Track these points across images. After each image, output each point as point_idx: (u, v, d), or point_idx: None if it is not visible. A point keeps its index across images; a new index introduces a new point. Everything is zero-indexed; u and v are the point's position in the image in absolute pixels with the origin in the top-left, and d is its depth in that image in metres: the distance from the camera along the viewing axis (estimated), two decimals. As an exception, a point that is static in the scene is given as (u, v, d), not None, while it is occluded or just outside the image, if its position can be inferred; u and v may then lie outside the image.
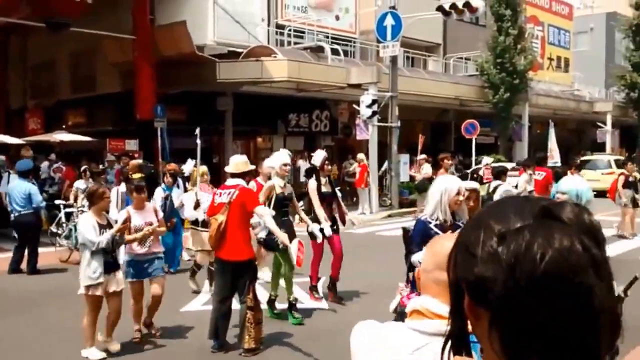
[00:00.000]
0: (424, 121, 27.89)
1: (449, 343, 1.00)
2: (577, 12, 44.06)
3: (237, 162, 6.90)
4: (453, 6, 18.64)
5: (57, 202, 13.16)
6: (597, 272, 0.83)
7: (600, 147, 32.95)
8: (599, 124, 33.87)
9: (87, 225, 6.41)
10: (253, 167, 7.61)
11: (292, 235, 7.45)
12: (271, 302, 7.94)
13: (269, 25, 21.08)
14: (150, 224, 6.88)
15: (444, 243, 1.81)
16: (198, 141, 8.41)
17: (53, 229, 12.52)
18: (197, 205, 8.75)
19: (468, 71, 29.65)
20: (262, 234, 7.59)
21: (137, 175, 10.75)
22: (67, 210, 12.47)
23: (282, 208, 7.84)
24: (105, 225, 6.54)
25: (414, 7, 22.20)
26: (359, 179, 19.33)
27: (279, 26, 21.77)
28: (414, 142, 21.71)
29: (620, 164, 24.67)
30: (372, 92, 18.82)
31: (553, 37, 36.67)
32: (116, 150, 17.77)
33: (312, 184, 8.41)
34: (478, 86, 26.91)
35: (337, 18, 23.60)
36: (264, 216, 6.65)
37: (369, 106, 18.49)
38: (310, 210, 8.41)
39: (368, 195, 19.32)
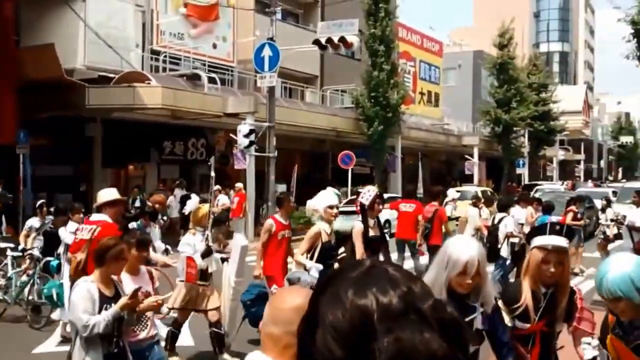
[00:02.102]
0: (301, 151, 28.13)
1: None
2: (447, 49, 46.55)
3: (102, 195, 6.56)
4: (329, 40, 18.96)
5: (2, 245, 10.77)
6: None
7: (469, 179, 34.60)
8: (467, 156, 35.60)
9: (81, 296, 4.24)
10: (123, 198, 7.07)
11: None
12: None
13: (143, 50, 20.52)
14: (147, 294, 4.79)
15: (283, 297, 1.83)
16: (212, 174, 7.15)
17: None
18: (208, 252, 6.92)
19: (344, 103, 30.31)
20: None
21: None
22: (14, 254, 9.94)
23: (328, 260, 6.81)
24: (112, 298, 4.39)
25: (291, 39, 22.48)
26: (236, 209, 19.07)
27: (154, 52, 21.22)
28: (292, 171, 21.77)
29: (487, 196, 25.86)
30: (249, 121, 18.72)
31: (424, 72, 38.30)
32: (-29, 178, 16.52)
33: (358, 225, 7.26)
34: (353, 118, 27.53)
35: (215, 46, 23.39)
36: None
37: (247, 136, 18.33)
38: (352, 257, 7.28)
39: (244, 225, 19.07)
